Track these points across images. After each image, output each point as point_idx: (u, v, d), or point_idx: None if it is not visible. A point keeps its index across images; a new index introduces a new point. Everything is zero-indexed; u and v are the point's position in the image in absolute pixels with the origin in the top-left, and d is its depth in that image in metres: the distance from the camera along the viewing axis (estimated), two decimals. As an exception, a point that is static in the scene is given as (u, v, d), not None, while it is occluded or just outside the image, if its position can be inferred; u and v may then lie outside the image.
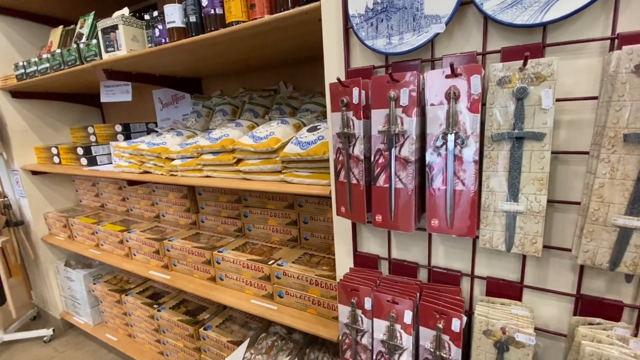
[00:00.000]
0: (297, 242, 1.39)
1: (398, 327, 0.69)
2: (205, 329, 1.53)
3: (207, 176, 1.20)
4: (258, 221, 1.46)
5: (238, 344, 1.43)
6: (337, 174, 0.73)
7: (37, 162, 2.08)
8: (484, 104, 0.57)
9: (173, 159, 1.30)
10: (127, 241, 1.67)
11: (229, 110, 1.56)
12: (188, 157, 1.25)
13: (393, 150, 0.61)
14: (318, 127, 0.97)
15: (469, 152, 0.56)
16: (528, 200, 0.55)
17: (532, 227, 0.56)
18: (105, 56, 1.36)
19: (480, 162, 0.57)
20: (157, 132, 1.55)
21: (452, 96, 0.55)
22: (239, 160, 1.11)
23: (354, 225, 0.84)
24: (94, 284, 2.01)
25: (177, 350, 1.68)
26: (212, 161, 1.15)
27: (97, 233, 1.83)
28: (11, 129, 1.96)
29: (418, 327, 0.69)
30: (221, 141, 1.12)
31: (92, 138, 2.00)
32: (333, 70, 0.78)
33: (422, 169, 0.64)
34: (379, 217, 0.66)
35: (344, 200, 0.72)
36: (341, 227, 0.87)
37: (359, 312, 0.76)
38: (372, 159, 0.64)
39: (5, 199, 2.06)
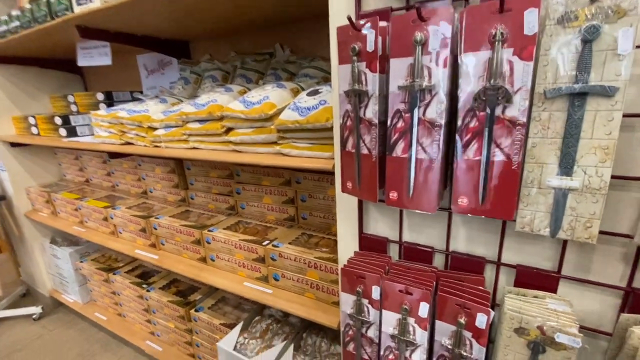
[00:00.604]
0: (294, 221, 1.29)
1: (411, 320, 0.60)
2: (196, 311, 1.46)
3: (194, 148, 1.07)
4: (252, 199, 1.35)
5: (231, 326, 1.36)
6: (343, 143, 0.61)
7: (16, 133, 1.93)
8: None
9: (156, 129, 1.16)
10: (112, 218, 1.56)
11: (219, 76, 1.41)
12: (172, 126, 1.12)
13: (416, 111, 0.49)
14: (319, 90, 0.83)
15: (515, 113, 0.44)
16: (586, 175, 0.44)
17: (588, 208, 0.45)
18: (77, 9, 1.19)
19: (527, 127, 0.45)
20: (140, 99, 1.41)
21: (497, 38, 0.43)
22: (228, 130, 0.98)
23: (360, 204, 0.73)
24: (81, 262, 1.92)
25: (168, 331, 1.61)
26: (199, 130, 1.02)
27: (80, 209, 1.71)
28: (-17, 96, 1.80)
29: (434, 321, 0.60)
30: (208, 107, 0.98)
31: (73, 108, 1.84)
32: (340, 14, 0.64)
33: (449, 136, 0.52)
34: (393, 195, 0.55)
35: (351, 175, 0.61)
36: (345, 205, 0.76)
37: (365, 301, 0.66)
38: (389, 122, 0.52)
39: (-18, 172, 1.92)
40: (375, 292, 0.64)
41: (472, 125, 0.47)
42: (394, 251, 0.73)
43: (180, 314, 1.50)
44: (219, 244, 1.21)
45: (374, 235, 0.74)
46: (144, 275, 1.78)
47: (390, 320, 0.63)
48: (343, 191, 0.65)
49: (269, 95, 0.89)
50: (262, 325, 1.28)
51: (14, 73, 1.91)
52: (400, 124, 0.51)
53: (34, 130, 1.78)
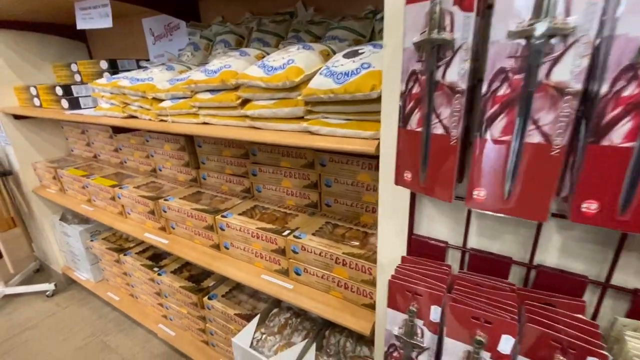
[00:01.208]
0: (316, 208, 1.15)
1: (486, 355, 0.46)
2: (210, 299, 1.36)
3: (205, 123, 0.92)
4: (269, 181, 1.21)
5: (246, 317, 1.26)
6: (404, 119, 0.45)
7: (19, 105, 1.81)
8: None
9: (162, 100, 1.01)
10: (119, 198, 1.45)
11: (233, 40, 1.23)
12: (180, 97, 0.97)
13: (538, 71, 0.32)
14: (360, 51, 0.66)
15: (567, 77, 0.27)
16: None
17: None
18: (68, -42, 1.02)
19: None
20: (145, 67, 1.25)
21: None
22: (245, 102, 0.82)
23: (413, 198, 0.57)
24: (91, 240, 1.86)
25: (180, 316, 1.54)
26: (210, 102, 0.86)
27: (87, 187, 1.62)
28: (-18, 64, 1.67)
29: (517, 356, 0.45)
30: (221, 74, 0.82)
31: (77, 77, 1.70)
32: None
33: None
34: (479, 193, 0.39)
35: (413, 162, 0.45)
36: (391, 198, 0.61)
37: (419, 322, 0.52)
38: (485, 89, 0.35)
39: (-13, 146, 1.84)
40: (435, 314, 0.50)
41: None
42: (453, 259, 0.58)
43: (192, 300, 1.41)
44: (234, 231, 1.09)
45: (429, 237, 0.58)
46: (156, 257, 1.70)
47: (454, 350, 0.49)
48: (397, 183, 0.49)
49: (294, 58, 0.72)
50: (281, 319, 1.17)
51: (14, 40, 1.77)
52: (504, 91, 0.34)
53: (36, 101, 1.66)
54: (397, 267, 0.57)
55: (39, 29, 1.81)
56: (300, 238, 0.96)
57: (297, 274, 0.99)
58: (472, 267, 0.55)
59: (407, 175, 0.47)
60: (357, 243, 0.93)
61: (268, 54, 0.93)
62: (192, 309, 1.45)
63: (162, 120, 1.03)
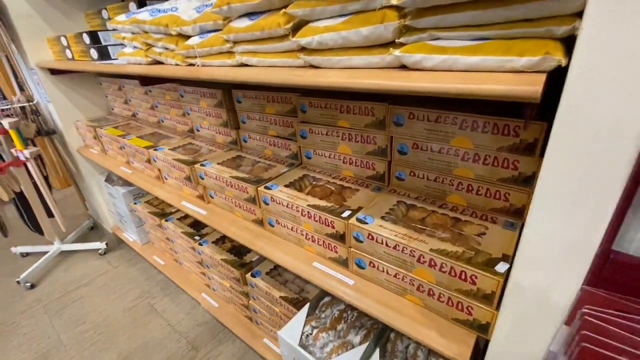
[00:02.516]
0: (383, 181, 0.89)
1: None
2: (253, 276, 1.22)
3: (242, 64, 0.68)
4: (323, 145, 0.96)
5: (293, 302, 1.10)
6: None
7: (54, 59, 1.70)
8: None
9: (189, 36, 0.78)
10: (155, 161, 1.31)
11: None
12: (210, 31, 0.72)
13: None
14: None
15: None
16: None
17: None
18: None
19: None
20: (171, -1, 1.01)
21: None
22: (298, 27, 0.55)
23: (632, 188, 0.29)
24: (135, 203, 1.79)
25: (223, 288, 1.43)
26: (249, 32, 0.60)
27: (124, 148, 1.50)
28: (13, 13, 1.55)
29: None
30: (263, -16, 0.55)
31: (110, 25, 1.52)
32: None
33: None
34: None
35: None
36: (572, 179, 0.33)
37: None
38: None
39: (31, 103, 1.78)
40: None
41: None
42: None
43: (235, 275, 1.28)
44: (280, 207, 0.88)
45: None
46: (197, 224, 1.59)
47: None
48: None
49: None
50: (334, 311, 0.98)
51: (44, -16, 1.61)
52: None
53: (68, 53, 1.53)
54: (586, 311, 0.31)
55: (67, -29, 1.64)
56: (366, 222, 0.72)
57: (360, 266, 0.76)
58: None
59: None
60: (447, 235, 0.67)
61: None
62: (235, 283, 1.32)
63: (190, 65, 0.80)
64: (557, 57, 0.33)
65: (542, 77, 0.34)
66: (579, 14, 0.33)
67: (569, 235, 0.35)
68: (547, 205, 0.36)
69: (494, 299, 0.57)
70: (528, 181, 0.65)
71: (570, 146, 0.32)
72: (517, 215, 0.69)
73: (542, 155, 0.60)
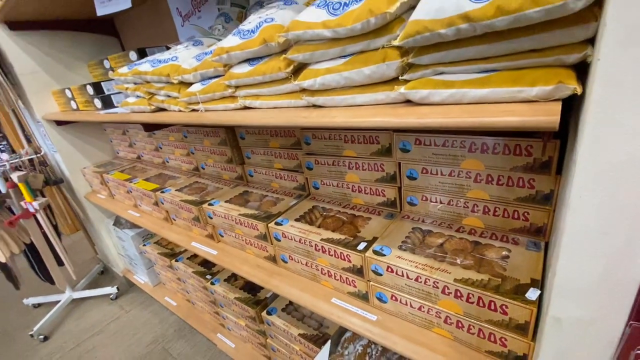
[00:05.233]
0: (394, 207, 0.87)
1: None
2: (269, 313, 1.18)
3: (245, 107, 0.68)
4: (329, 175, 0.95)
5: (313, 339, 1.05)
6: None
7: (60, 110, 1.75)
8: None
9: (190, 84, 0.79)
10: (162, 203, 1.30)
11: (271, -1, 0.96)
12: (211, 77, 0.74)
13: None
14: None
15: None
16: None
17: None
18: None
19: None
20: (170, 47, 1.04)
21: None
22: (298, 69, 0.56)
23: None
24: (144, 245, 1.78)
25: (239, 327, 1.39)
26: (250, 77, 0.61)
27: (131, 192, 1.50)
28: (19, 71, 1.61)
29: None
30: (261, 32, 0.56)
31: (111, 74, 1.57)
32: None
33: None
34: None
35: None
36: (605, 208, 0.31)
37: None
38: None
39: (39, 155, 1.81)
40: None
41: None
42: None
43: (250, 314, 1.24)
44: (292, 243, 0.86)
45: None
46: (208, 262, 1.56)
47: None
48: None
49: (378, -19, 0.43)
50: (357, 347, 0.94)
51: (47, 41, 1.67)
52: None
53: (72, 104, 1.57)
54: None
55: (68, 26, 1.71)
56: (383, 254, 0.69)
57: (382, 300, 0.73)
58: None
59: None
60: (470, 261, 0.64)
61: (322, -2, 0.65)
62: (251, 322, 1.28)
63: (193, 110, 0.81)
64: (572, 86, 0.33)
65: (558, 106, 0.33)
66: (591, 40, 0.33)
67: (605, 266, 0.33)
68: (579, 237, 0.34)
69: (528, 329, 0.54)
70: (547, 199, 0.63)
71: (599, 177, 0.31)
72: (538, 235, 0.67)
73: (558, 172, 0.59)
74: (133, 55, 1.39)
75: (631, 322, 0.31)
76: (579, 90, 0.32)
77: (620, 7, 0.26)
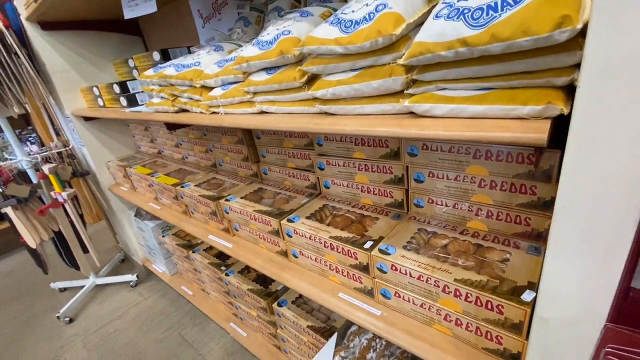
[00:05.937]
0: (402, 208, 0.91)
1: None
2: (279, 305, 1.24)
3: (262, 112, 0.73)
4: (339, 176, 1.00)
5: (320, 331, 1.11)
6: None
7: (87, 107, 1.85)
8: None
9: (211, 88, 0.84)
10: (182, 197, 1.38)
11: (287, 5, 1.01)
12: (231, 83, 0.79)
13: None
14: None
15: None
16: None
17: None
18: None
19: None
20: (191, 51, 1.10)
21: None
22: (312, 79, 0.60)
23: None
24: (163, 236, 1.87)
25: (251, 318, 1.46)
26: (267, 85, 0.66)
27: (152, 186, 1.59)
28: (51, 69, 1.71)
29: None
30: (279, 44, 0.61)
31: (135, 73, 1.65)
32: None
33: None
34: None
35: None
36: (587, 211, 0.34)
37: None
38: None
39: (67, 148, 1.93)
40: None
41: None
42: None
43: (261, 305, 1.31)
44: (303, 239, 0.91)
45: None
46: (223, 254, 1.64)
47: None
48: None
49: (387, 1, 0.47)
50: (362, 340, 0.99)
51: (74, 40, 1.77)
52: None
53: (99, 101, 1.66)
54: (609, 350, 0.32)
55: (96, 26, 1.80)
56: (388, 253, 0.73)
57: (386, 296, 0.77)
58: None
59: None
60: (471, 263, 0.68)
61: (336, 10, 0.69)
62: (262, 313, 1.35)
63: (214, 113, 0.87)
64: (559, 107, 0.36)
65: (547, 124, 0.36)
66: (578, 65, 0.36)
67: (586, 273, 0.36)
68: (562, 245, 0.37)
69: (522, 328, 0.57)
70: (547, 205, 0.65)
71: (580, 190, 0.34)
72: (539, 239, 0.69)
73: (558, 181, 0.61)
74: (156, 55, 1.46)
75: (605, 323, 0.35)
76: (565, 111, 0.35)
77: (598, 43, 0.29)
